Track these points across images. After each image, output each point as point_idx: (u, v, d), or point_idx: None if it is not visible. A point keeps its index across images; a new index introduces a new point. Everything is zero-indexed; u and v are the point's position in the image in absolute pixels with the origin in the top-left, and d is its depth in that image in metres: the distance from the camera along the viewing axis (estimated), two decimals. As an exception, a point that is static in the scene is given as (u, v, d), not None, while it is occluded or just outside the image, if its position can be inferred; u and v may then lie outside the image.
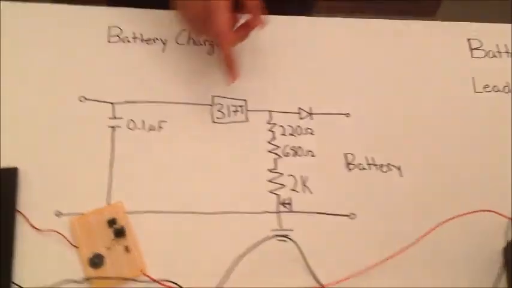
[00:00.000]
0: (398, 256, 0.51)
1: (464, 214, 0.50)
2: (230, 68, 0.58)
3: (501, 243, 0.50)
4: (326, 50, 0.66)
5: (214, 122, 0.60)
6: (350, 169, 0.59)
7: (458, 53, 0.67)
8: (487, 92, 0.64)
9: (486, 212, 0.50)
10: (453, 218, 0.50)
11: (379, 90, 0.64)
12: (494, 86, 0.64)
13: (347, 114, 0.62)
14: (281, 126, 0.61)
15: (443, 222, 0.51)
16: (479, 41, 0.67)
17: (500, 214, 0.48)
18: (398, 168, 0.59)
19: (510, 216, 0.48)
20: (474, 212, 0.50)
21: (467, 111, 0.63)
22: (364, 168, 0.59)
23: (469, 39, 0.67)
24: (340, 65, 0.65)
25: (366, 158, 0.59)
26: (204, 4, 0.55)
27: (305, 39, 0.66)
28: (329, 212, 0.56)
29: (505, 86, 0.64)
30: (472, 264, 0.51)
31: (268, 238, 0.51)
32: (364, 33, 0.66)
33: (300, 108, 0.62)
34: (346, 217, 0.56)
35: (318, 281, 0.51)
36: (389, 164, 0.59)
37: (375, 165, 0.59)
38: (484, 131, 0.62)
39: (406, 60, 0.66)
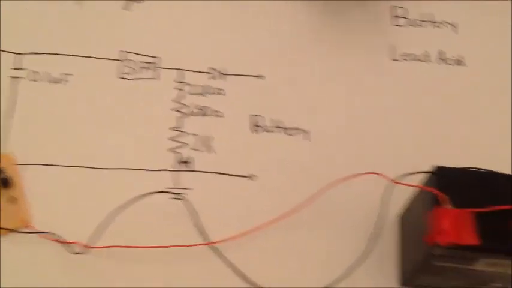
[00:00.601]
0: (290, 217, 0.51)
1: (350, 177, 0.49)
2: None
3: (388, 207, 0.50)
4: (246, 12, 0.64)
5: (121, 78, 0.59)
6: (256, 131, 0.58)
7: (378, 20, 0.66)
8: (405, 60, 0.63)
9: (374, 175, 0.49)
10: (338, 180, 0.49)
11: (296, 54, 0.62)
12: (413, 55, 0.64)
13: (261, 77, 0.61)
14: (191, 85, 0.60)
15: (330, 185, 0.50)
16: (403, 8, 0.66)
17: (384, 176, 0.47)
18: (306, 133, 0.58)
19: (393, 179, 0.47)
20: (360, 174, 0.49)
21: (382, 79, 0.62)
22: (270, 131, 0.58)
23: (392, 7, 0.67)
24: (258, 28, 0.64)
25: (274, 121, 0.58)
26: None
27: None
28: (230, 173, 0.55)
29: (423, 55, 0.64)
30: (358, 227, 0.51)
31: (148, 194, 0.51)
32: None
33: (212, 68, 0.61)
34: (246, 178, 0.55)
35: (206, 238, 0.50)
36: (297, 127, 0.58)
37: (283, 128, 0.58)
38: (396, 100, 0.61)
39: (325, 26, 0.65)
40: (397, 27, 0.66)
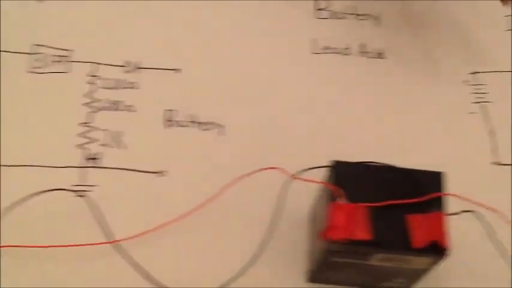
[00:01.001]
0: (196, 213, 0.50)
1: (252, 173, 0.48)
2: None
3: (289, 202, 0.49)
4: (163, 4, 0.63)
5: (31, 72, 0.57)
6: (169, 126, 0.57)
7: (302, 12, 0.65)
8: (325, 53, 0.63)
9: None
10: (241, 177, 0.48)
11: (214, 47, 0.62)
12: (334, 48, 0.63)
13: (178, 70, 0.60)
14: (104, 79, 0.58)
15: (234, 181, 0.49)
16: (327, 1, 0.66)
17: (283, 171, 0.46)
18: (222, 127, 0.57)
19: (293, 174, 0.46)
20: (260, 170, 0.48)
21: (302, 72, 0.61)
22: (185, 126, 0.57)
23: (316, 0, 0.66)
24: (175, 20, 0.63)
25: (189, 116, 0.57)
26: None
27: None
28: (140, 169, 0.54)
29: (344, 48, 0.63)
30: (259, 223, 0.50)
31: (46, 191, 0.49)
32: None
33: (127, 62, 0.60)
34: (156, 174, 0.54)
35: (110, 236, 0.49)
36: (212, 122, 0.57)
37: (198, 122, 0.57)
38: (315, 93, 0.60)
39: (245, 18, 0.64)
40: (320, 19, 0.65)
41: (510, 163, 0.57)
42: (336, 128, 0.58)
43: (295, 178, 0.45)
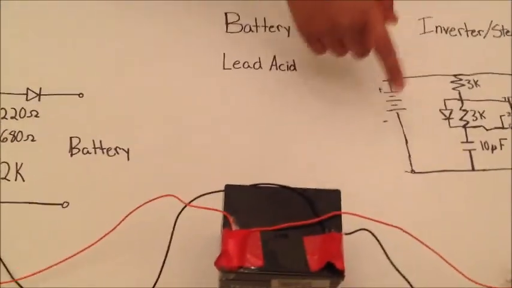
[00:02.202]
0: (99, 244, 0.48)
1: (150, 201, 0.47)
2: (400, 75, 0.56)
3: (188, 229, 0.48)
4: (66, 27, 0.61)
5: None
6: (73, 154, 0.54)
7: (213, 27, 0.64)
8: (236, 68, 0.61)
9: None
10: (140, 206, 0.46)
11: (118, 68, 0.60)
12: (245, 62, 0.62)
13: (80, 95, 0.58)
14: (3, 109, 0.56)
15: (134, 210, 0.47)
16: (237, 14, 0.65)
17: (178, 198, 0.44)
18: (127, 152, 0.55)
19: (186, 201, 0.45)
20: (158, 197, 0.46)
21: (214, 88, 0.60)
22: (89, 152, 0.55)
23: (226, 13, 0.64)
24: (77, 43, 0.61)
25: (94, 142, 0.55)
26: (361, 15, 0.53)
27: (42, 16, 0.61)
28: (40, 201, 0.52)
29: (256, 62, 0.62)
30: (158, 251, 0.48)
31: None
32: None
33: (28, 89, 0.57)
34: (58, 206, 0.52)
35: (10, 275, 0.47)
36: (117, 147, 0.55)
37: (102, 148, 0.55)
38: (225, 111, 0.59)
39: (153, 35, 0.62)
40: (231, 33, 0.64)
41: (423, 171, 0.57)
42: (246, 147, 0.56)
43: (189, 205, 0.43)
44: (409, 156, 0.57)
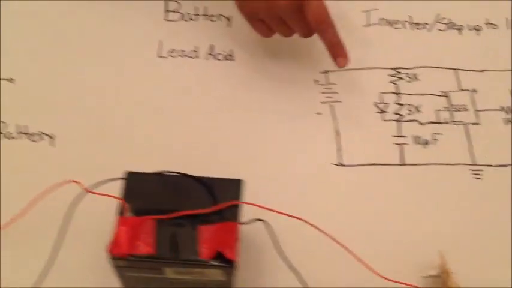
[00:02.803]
0: (9, 231, 0.48)
1: (53, 187, 0.46)
2: (341, 50, 0.56)
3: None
4: None
5: None
6: (-2, 138, 0.55)
7: (151, 15, 0.63)
8: (171, 56, 0.61)
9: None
10: (45, 192, 0.46)
11: (49, 53, 0.59)
12: (181, 51, 0.61)
13: (11, 80, 0.58)
14: None
15: (35, 198, 0.47)
16: (178, 2, 0.64)
17: (80, 184, 0.44)
18: (51, 137, 0.55)
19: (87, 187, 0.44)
20: (60, 184, 0.46)
21: (147, 76, 0.59)
22: (13, 138, 0.55)
23: (166, 1, 0.64)
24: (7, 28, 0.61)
25: (18, 126, 0.55)
26: None
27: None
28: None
29: (192, 51, 0.61)
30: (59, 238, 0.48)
31: None
32: None
33: (-42, 73, 0.58)
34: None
35: None
36: (41, 132, 0.55)
37: (26, 133, 0.55)
38: (159, 99, 0.58)
39: (87, 21, 0.61)
40: (170, 21, 0.63)
41: (351, 164, 0.56)
42: (175, 136, 0.56)
43: (88, 191, 0.43)
44: (339, 149, 0.57)
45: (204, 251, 0.40)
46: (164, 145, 0.55)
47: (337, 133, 0.57)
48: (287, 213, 0.44)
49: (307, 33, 0.57)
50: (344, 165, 0.56)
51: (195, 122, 0.57)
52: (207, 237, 0.41)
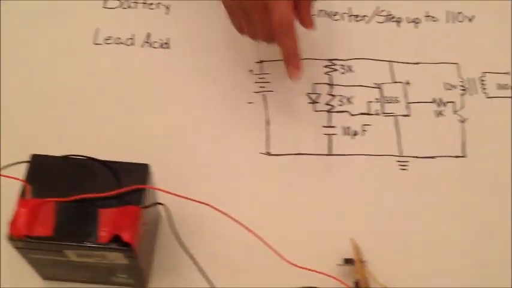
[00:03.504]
0: None
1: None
2: (296, 62, 0.54)
3: None
4: None
5: None
6: None
7: (89, 2, 0.63)
8: (107, 44, 0.61)
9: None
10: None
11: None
12: (117, 38, 0.61)
13: None
14: None
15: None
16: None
17: None
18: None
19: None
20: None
21: (81, 63, 0.59)
22: None
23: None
24: None
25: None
26: None
27: None
28: None
29: (129, 39, 0.61)
30: None
31: None
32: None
33: None
34: None
35: None
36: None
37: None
38: (87, 84, 0.58)
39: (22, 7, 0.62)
40: (108, 9, 0.63)
41: (279, 153, 0.56)
42: (107, 123, 0.56)
43: (-3, 174, 0.44)
44: (268, 138, 0.57)
45: (103, 234, 0.40)
46: (91, 130, 0.56)
47: (268, 122, 0.58)
48: (194, 198, 0.44)
49: (268, 37, 0.54)
50: (271, 155, 0.56)
51: (125, 109, 0.57)
52: (107, 220, 0.41)
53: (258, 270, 0.49)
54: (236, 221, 0.45)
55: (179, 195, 0.43)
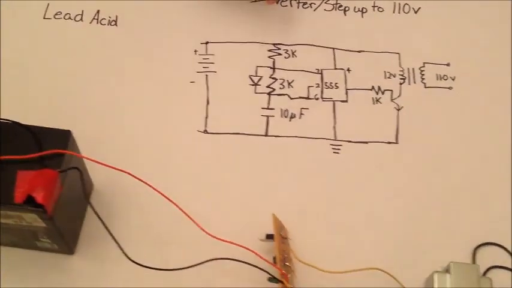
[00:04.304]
0: None
1: None
2: None
3: None
4: None
5: None
6: None
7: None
8: (56, 19, 0.62)
9: None
10: None
11: None
12: (67, 14, 0.62)
13: None
14: None
15: None
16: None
17: None
18: None
19: None
20: None
21: (29, 37, 0.60)
22: None
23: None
24: None
25: None
26: None
27: None
28: None
29: (78, 15, 0.62)
30: None
31: None
32: None
33: None
34: None
35: None
36: None
37: None
38: (29, 58, 0.59)
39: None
40: (59, -15, 0.65)
41: (216, 132, 0.57)
42: (48, 92, 0.58)
43: None
44: (206, 117, 0.58)
45: (17, 195, 0.42)
46: (31, 98, 0.57)
47: (208, 102, 0.59)
48: (114, 166, 0.45)
49: None
50: (208, 133, 0.57)
51: (65, 80, 0.58)
52: (23, 182, 0.42)
53: (181, 242, 0.51)
54: (156, 190, 0.46)
55: (99, 163, 0.44)
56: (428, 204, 0.54)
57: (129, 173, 0.45)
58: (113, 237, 0.45)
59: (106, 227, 0.45)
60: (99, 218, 0.45)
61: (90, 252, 0.50)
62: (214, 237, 0.48)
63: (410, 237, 0.53)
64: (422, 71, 0.61)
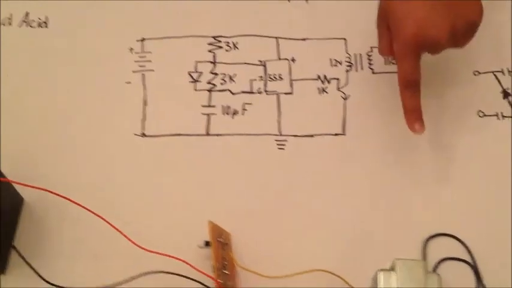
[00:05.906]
0: None
1: None
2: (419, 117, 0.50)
3: None
4: None
5: None
6: None
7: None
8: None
9: None
10: None
11: None
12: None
13: None
14: None
15: None
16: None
17: None
18: None
19: None
20: None
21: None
22: None
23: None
24: None
25: None
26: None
27: None
28: None
29: (7, 18, 0.58)
30: None
31: None
32: None
33: None
34: None
35: None
36: None
37: None
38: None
39: None
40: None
41: (155, 135, 0.54)
42: None
43: None
44: (144, 119, 0.55)
45: None
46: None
47: (145, 103, 0.56)
48: (31, 184, 0.43)
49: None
50: (147, 136, 0.54)
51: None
52: None
53: (117, 256, 0.48)
54: (79, 205, 0.43)
55: (12, 181, 0.42)
56: (377, 199, 0.52)
57: (47, 190, 0.42)
58: (28, 263, 0.43)
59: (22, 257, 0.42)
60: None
61: (22, 272, 0.48)
62: (146, 249, 0.45)
63: (360, 234, 0.50)
64: (370, 56, 0.58)
